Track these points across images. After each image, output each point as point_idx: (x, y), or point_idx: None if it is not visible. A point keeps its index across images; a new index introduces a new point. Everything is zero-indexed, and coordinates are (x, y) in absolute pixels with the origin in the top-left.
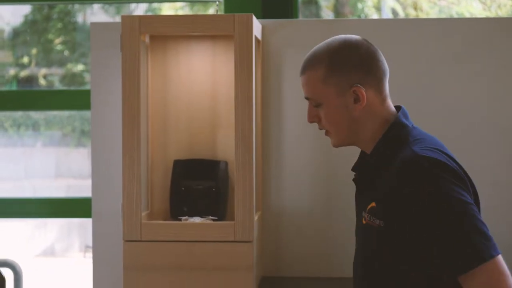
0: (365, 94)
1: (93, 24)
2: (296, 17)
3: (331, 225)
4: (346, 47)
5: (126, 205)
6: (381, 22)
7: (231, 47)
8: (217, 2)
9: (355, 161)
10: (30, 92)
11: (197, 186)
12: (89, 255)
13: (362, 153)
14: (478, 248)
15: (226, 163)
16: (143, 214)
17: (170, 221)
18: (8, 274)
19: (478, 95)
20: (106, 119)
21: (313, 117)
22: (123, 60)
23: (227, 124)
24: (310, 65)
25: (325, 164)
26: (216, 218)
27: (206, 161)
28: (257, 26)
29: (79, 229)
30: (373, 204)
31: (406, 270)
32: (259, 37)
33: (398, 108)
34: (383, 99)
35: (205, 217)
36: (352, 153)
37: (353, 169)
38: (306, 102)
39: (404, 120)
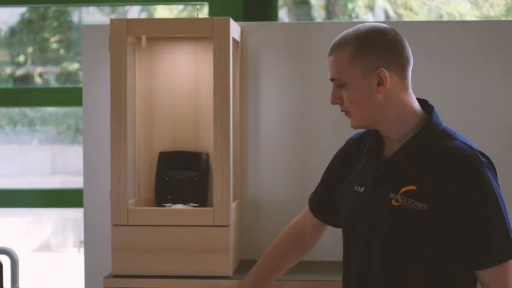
0: (388, 78)
1: (85, 26)
2: (276, 19)
3: None
4: (374, 32)
5: (114, 193)
6: (357, 24)
7: (212, 48)
8: (198, 7)
9: (326, 153)
10: (26, 89)
11: (180, 176)
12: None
13: (377, 136)
14: (504, 247)
15: (207, 155)
16: (131, 201)
17: (154, 207)
18: (5, 261)
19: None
20: (97, 115)
21: (336, 99)
22: (111, 60)
23: (208, 119)
24: (338, 47)
25: (299, 155)
26: (197, 205)
27: (189, 153)
28: (235, 28)
29: (74, 224)
30: (413, 187)
31: (434, 255)
32: (238, 38)
33: (420, 101)
34: (406, 87)
35: (187, 204)
36: (324, 146)
37: (368, 152)
38: (281, 100)
39: (438, 116)
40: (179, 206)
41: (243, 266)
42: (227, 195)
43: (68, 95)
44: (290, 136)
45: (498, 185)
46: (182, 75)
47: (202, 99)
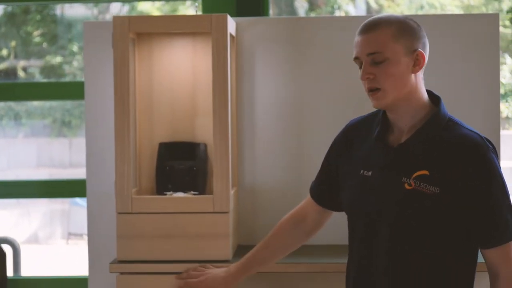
0: (425, 60)
1: (86, 23)
2: (267, 14)
3: (300, 198)
4: (411, 20)
5: (119, 182)
6: (350, 19)
7: (209, 43)
8: (196, 4)
9: (319, 142)
10: (12, 84)
11: (180, 165)
12: (72, 242)
13: (385, 122)
14: (510, 228)
15: (205, 145)
16: (133, 190)
17: (157, 195)
18: (7, 250)
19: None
20: (98, 108)
21: (369, 74)
22: (114, 56)
23: (206, 111)
24: (379, 24)
25: (293, 145)
26: (196, 192)
27: (188, 143)
28: (231, 24)
29: (61, 217)
30: (425, 172)
31: (436, 245)
32: (234, 33)
33: (427, 91)
34: (422, 77)
35: (187, 192)
36: (317, 135)
37: (378, 137)
38: (276, 92)
39: (444, 106)
40: (180, 194)
41: (241, 250)
42: (226, 183)
43: (62, 89)
44: (285, 126)
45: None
46: (181, 69)
47: (200, 92)
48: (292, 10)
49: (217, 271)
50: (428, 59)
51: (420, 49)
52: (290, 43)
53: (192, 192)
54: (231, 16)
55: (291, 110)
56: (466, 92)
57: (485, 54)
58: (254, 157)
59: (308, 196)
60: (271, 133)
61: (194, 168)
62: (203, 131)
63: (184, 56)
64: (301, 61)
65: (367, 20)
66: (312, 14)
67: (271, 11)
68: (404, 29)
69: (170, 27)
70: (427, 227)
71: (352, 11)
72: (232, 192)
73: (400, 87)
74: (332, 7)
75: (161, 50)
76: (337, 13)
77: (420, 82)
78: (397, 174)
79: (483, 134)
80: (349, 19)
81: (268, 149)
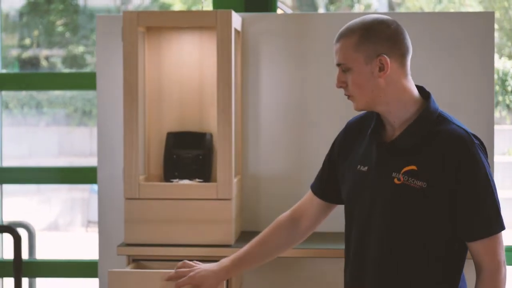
0: (389, 64)
1: (98, 16)
2: (275, 10)
3: (302, 186)
4: (378, 22)
5: (127, 169)
6: (354, 16)
7: (215, 37)
8: (202, 1)
9: (320, 133)
10: (34, 74)
11: (187, 154)
12: (91, 229)
13: (378, 119)
14: (494, 221)
15: (211, 135)
16: (141, 177)
17: (163, 182)
18: (22, 234)
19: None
20: (109, 98)
21: (341, 83)
22: (124, 48)
23: (212, 102)
24: (345, 34)
25: (295, 135)
26: (202, 180)
27: (194, 133)
28: (237, 19)
29: (81, 205)
30: (414, 167)
31: (432, 228)
32: (239, 28)
33: (417, 87)
34: (406, 73)
35: (193, 180)
36: (319, 127)
37: (372, 134)
38: (279, 84)
39: (434, 101)
40: (186, 182)
41: (244, 236)
42: (229, 171)
43: (78, 79)
44: (288, 117)
45: (489, 165)
46: (188, 62)
47: (206, 84)
48: (312, 3)
49: (209, 266)
50: (423, 55)
51: (384, 54)
52: (294, 38)
53: (198, 180)
54: (240, 11)
55: (295, 102)
56: (460, 89)
57: (480, 51)
58: (258, 147)
59: (307, 195)
60: (274, 124)
61: (200, 157)
62: (209, 121)
63: (192, 50)
64: (305, 55)
65: (341, 28)
66: (332, 8)
67: (290, 4)
68: (366, 37)
69: (177, 22)
70: (415, 220)
71: (375, 4)
72: (235, 180)
73: (366, 93)
74: (352, 0)
75: (169, 43)
76: (357, 7)
77: (399, 81)
78: (388, 170)
79: (470, 130)
80: (352, 16)
81: (272, 139)
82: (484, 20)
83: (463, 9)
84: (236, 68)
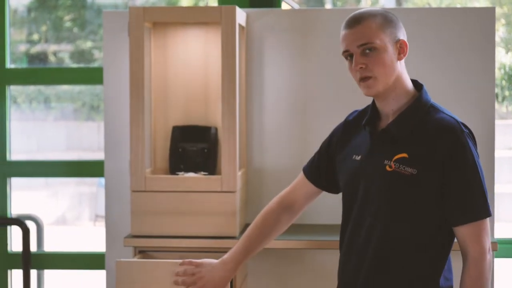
0: (407, 48)
1: (105, 12)
2: (279, 6)
3: None
4: (389, 12)
5: (133, 162)
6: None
7: (220, 32)
8: None
9: (323, 126)
10: (42, 69)
11: (192, 147)
12: (99, 224)
13: (374, 110)
14: (480, 207)
15: (215, 128)
16: (147, 170)
17: (169, 175)
18: (31, 226)
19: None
20: (116, 93)
21: (361, 64)
22: (130, 44)
23: (217, 97)
24: (365, 17)
25: (298, 129)
26: (207, 173)
27: (199, 127)
28: (241, 14)
29: (89, 199)
30: (405, 155)
31: (421, 212)
32: (244, 24)
33: (412, 80)
34: (404, 65)
35: (198, 173)
36: (321, 120)
37: (366, 124)
38: (283, 78)
39: (427, 93)
40: (191, 174)
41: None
42: (234, 164)
43: (86, 74)
44: (291, 111)
45: (477, 153)
46: (193, 57)
47: (211, 79)
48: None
49: (213, 271)
50: (426, 50)
51: (402, 38)
52: (298, 34)
53: (203, 173)
54: (245, 7)
55: (298, 96)
56: (462, 83)
57: (481, 46)
58: (262, 141)
59: (298, 178)
60: (278, 118)
61: (205, 150)
62: (214, 115)
63: (197, 45)
64: (308, 50)
65: (351, 15)
66: (339, 3)
67: None
68: (387, 20)
69: (182, 18)
70: (407, 206)
71: (382, 0)
72: (240, 173)
73: (390, 74)
74: None
75: (175, 38)
76: (364, 2)
77: (404, 70)
78: (380, 157)
79: (459, 119)
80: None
81: (276, 133)
82: (486, 15)
83: (470, 5)
84: (240, 63)
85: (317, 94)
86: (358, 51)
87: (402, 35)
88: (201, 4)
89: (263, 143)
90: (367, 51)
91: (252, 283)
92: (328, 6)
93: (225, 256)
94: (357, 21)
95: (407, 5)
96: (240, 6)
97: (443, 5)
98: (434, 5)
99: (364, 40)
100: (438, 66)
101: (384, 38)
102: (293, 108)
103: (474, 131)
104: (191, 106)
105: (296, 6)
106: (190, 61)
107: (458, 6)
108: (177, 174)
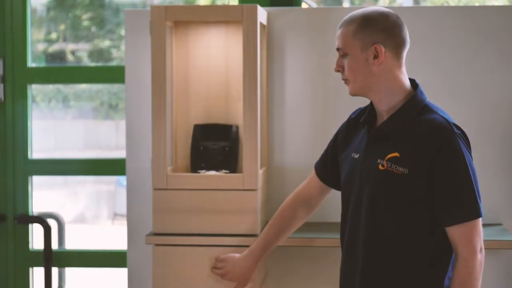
0: (383, 53)
1: (126, 11)
2: (299, 5)
3: None
4: (378, 13)
5: (155, 160)
6: None
7: (241, 31)
8: None
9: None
10: (61, 68)
11: (213, 146)
12: (117, 222)
13: (372, 108)
14: (473, 207)
15: (236, 127)
16: (169, 168)
17: (190, 173)
18: (53, 224)
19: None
20: (138, 91)
21: (339, 67)
22: (152, 42)
23: (238, 95)
24: (346, 22)
25: (319, 127)
26: (228, 171)
27: (221, 125)
28: (262, 13)
29: (107, 198)
30: (396, 154)
31: (412, 211)
32: (265, 22)
33: (410, 80)
34: (399, 64)
35: (219, 171)
36: (341, 119)
37: (363, 123)
38: (303, 77)
39: (422, 92)
40: (212, 173)
41: None
42: (255, 162)
43: (105, 73)
44: (312, 109)
45: (471, 155)
46: (215, 55)
47: (232, 77)
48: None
49: (235, 266)
50: (442, 49)
51: (379, 43)
52: (319, 32)
53: (224, 171)
54: (266, 6)
55: (319, 95)
56: (483, 82)
57: (500, 45)
58: (283, 139)
59: (311, 174)
60: (299, 116)
61: (227, 148)
62: (235, 113)
63: (218, 43)
64: (329, 49)
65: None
66: (357, 2)
67: None
68: (364, 26)
69: (204, 16)
70: (398, 204)
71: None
72: (261, 171)
73: (360, 78)
74: None
75: (197, 37)
76: (381, 1)
77: (391, 71)
78: (374, 156)
79: (452, 120)
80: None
81: (297, 131)
82: (505, 14)
83: (488, 3)
84: (261, 61)
85: (338, 92)
86: (339, 53)
87: (382, 38)
88: (219, 2)
89: (284, 141)
90: (342, 55)
91: (272, 282)
92: (346, 4)
93: (245, 252)
94: (340, 25)
95: (425, 3)
96: (261, 5)
97: (461, 4)
98: (452, 4)
99: (339, 45)
100: (458, 64)
101: (355, 45)
102: (314, 106)
103: (502, 131)
104: (212, 104)
105: (315, 5)
106: (211, 60)
107: (477, 4)
108: (199, 172)
